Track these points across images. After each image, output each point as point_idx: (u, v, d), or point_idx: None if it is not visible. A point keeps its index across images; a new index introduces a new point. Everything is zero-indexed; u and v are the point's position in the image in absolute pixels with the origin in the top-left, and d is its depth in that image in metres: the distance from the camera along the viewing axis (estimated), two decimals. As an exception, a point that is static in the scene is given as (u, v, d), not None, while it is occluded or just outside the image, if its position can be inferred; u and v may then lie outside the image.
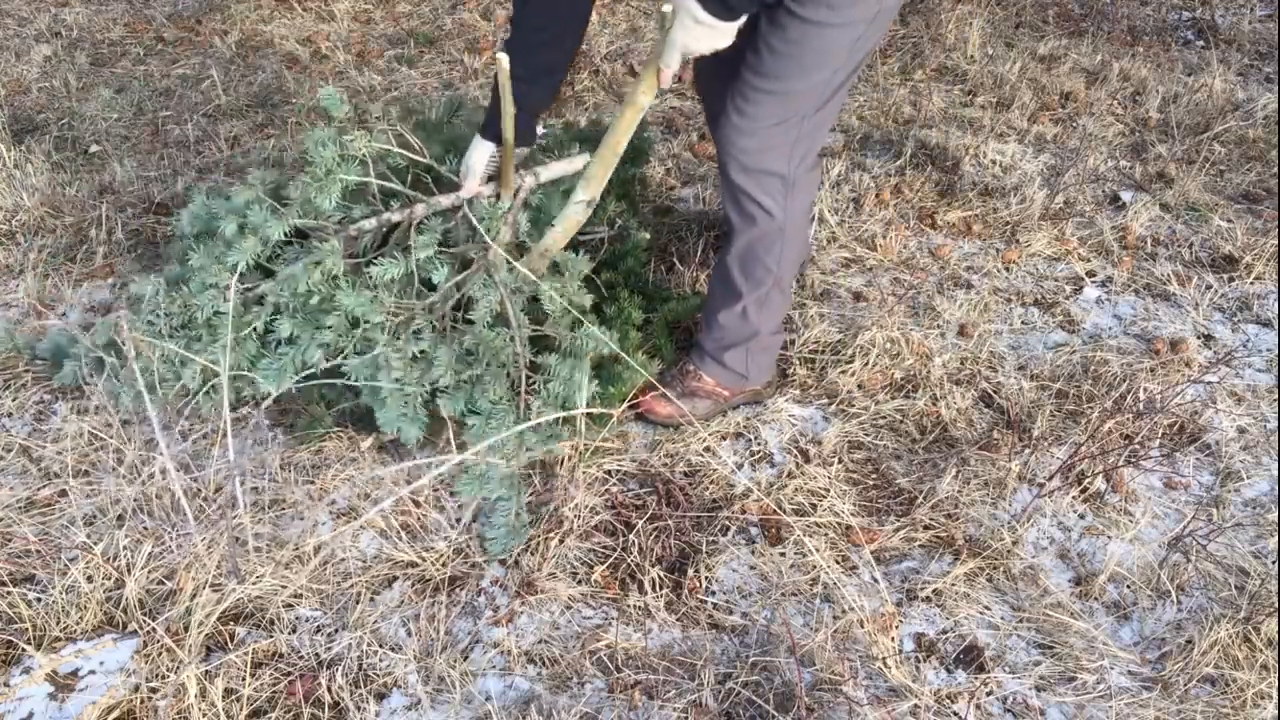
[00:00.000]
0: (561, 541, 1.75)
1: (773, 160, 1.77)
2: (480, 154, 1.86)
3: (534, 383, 1.81)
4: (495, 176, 1.91)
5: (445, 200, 1.91)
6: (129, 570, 1.65)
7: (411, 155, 1.94)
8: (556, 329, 1.82)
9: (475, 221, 1.88)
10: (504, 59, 1.64)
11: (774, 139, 1.74)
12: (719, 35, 1.54)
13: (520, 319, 1.81)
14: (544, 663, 1.57)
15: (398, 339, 1.77)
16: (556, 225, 1.87)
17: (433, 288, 1.85)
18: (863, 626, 1.63)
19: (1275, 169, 3.08)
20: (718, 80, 1.94)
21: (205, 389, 1.83)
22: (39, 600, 1.62)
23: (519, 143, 1.83)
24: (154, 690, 1.49)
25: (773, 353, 2.07)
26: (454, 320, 1.84)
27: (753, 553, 1.77)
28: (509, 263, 1.83)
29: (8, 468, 1.89)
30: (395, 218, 1.89)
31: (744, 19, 1.55)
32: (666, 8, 1.54)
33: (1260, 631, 1.62)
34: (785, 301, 2.00)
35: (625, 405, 1.97)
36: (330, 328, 1.79)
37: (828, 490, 1.89)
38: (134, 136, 3.16)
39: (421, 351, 1.78)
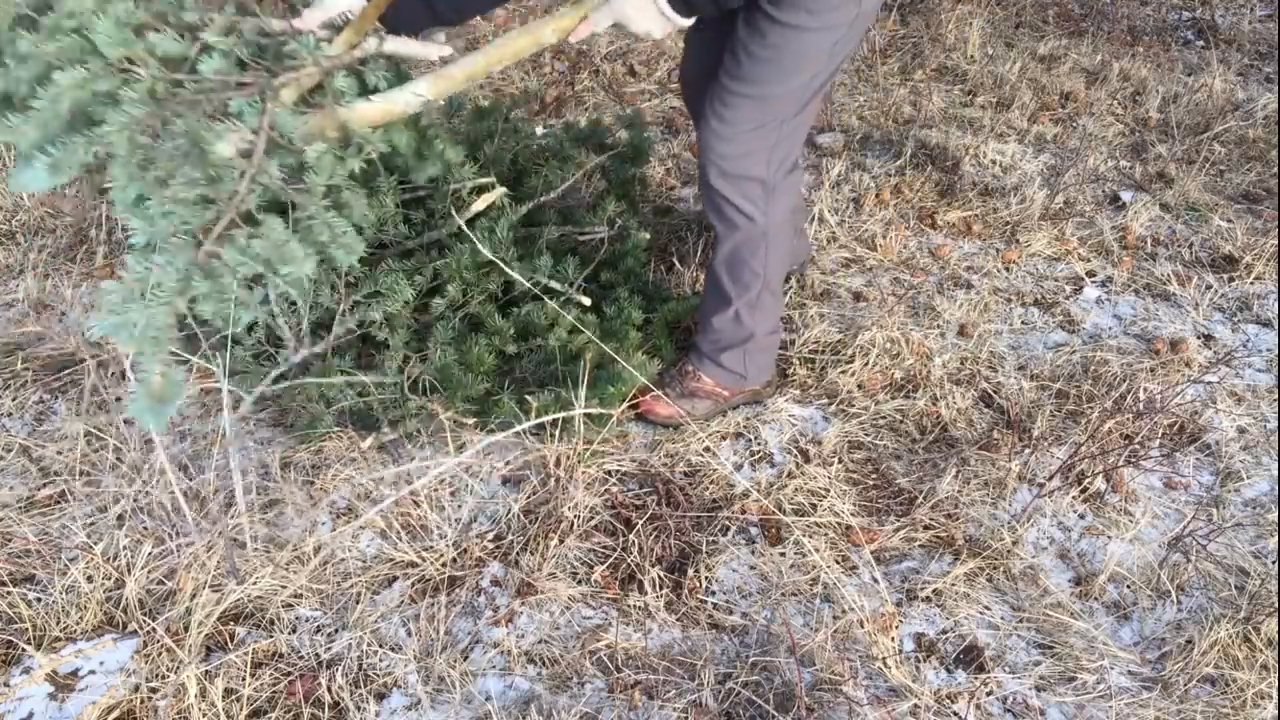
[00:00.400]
0: (561, 541, 1.75)
1: (752, 165, 1.77)
2: (341, 2, 1.58)
3: (231, 229, 1.42)
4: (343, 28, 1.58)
5: (275, 22, 1.58)
6: (129, 570, 1.65)
7: None
8: (303, 197, 1.49)
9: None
10: None
11: (753, 143, 1.74)
12: (662, 25, 1.52)
13: (266, 163, 1.45)
14: (544, 663, 1.57)
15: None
16: (375, 100, 1.59)
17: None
18: (863, 626, 1.63)
19: (1275, 169, 3.08)
20: (701, 82, 1.94)
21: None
22: (39, 600, 1.62)
23: (394, 27, 1.60)
24: (154, 690, 1.49)
25: (770, 352, 2.07)
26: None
27: (753, 553, 1.77)
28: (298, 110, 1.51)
29: (8, 468, 1.89)
30: (219, 15, 1.53)
31: (693, 20, 1.53)
32: None
33: (1260, 631, 1.62)
34: (777, 303, 2.00)
35: (625, 405, 1.97)
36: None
37: (828, 490, 1.89)
38: (134, 136, 3.16)
39: (115, 97, 1.39)
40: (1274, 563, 1.79)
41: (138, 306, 1.35)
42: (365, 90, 1.60)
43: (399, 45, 1.63)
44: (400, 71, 1.65)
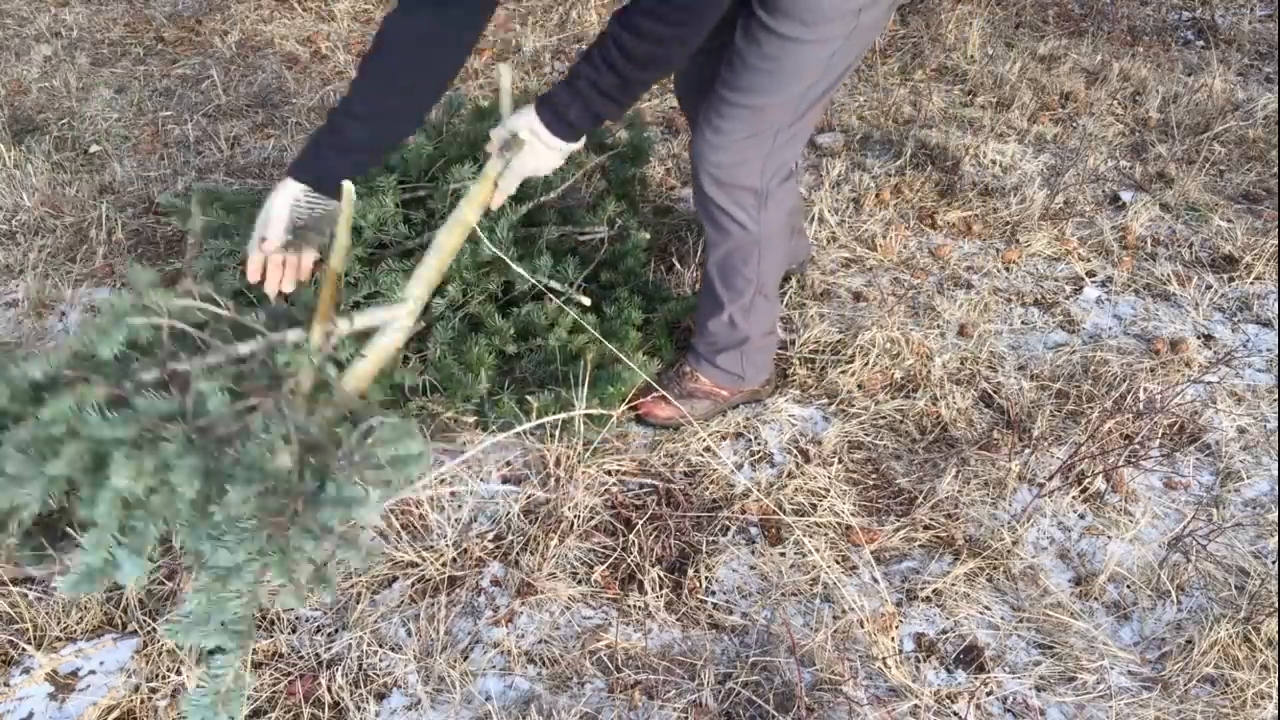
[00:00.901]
0: (561, 541, 1.75)
1: (746, 175, 1.77)
2: (283, 200, 1.55)
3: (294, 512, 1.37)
4: (301, 227, 1.58)
5: (243, 348, 1.55)
6: (129, 570, 1.65)
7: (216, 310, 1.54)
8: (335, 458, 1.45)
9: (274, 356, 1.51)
10: (349, 188, 1.45)
11: (747, 153, 1.74)
12: (561, 155, 1.55)
13: (299, 453, 1.43)
14: (544, 663, 1.57)
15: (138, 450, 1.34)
16: (367, 355, 1.62)
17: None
18: (863, 626, 1.63)
19: (1275, 169, 3.08)
20: (697, 92, 1.93)
21: None
22: (39, 600, 1.62)
23: (324, 187, 1.57)
24: (154, 690, 1.49)
25: (767, 353, 2.07)
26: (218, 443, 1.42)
27: (753, 553, 1.78)
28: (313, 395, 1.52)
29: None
30: (182, 366, 1.51)
31: (582, 141, 1.55)
32: (524, 134, 1.52)
33: (1260, 631, 1.62)
34: (772, 306, 2.00)
35: (624, 406, 1.97)
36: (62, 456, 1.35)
37: (828, 490, 1.89)
38: (134, 136, 3.16)
39: (166, 465, 1.36)
40: (1274, 563, 1.79)
41: (215, 607, 1.32)
42: (336, 364, 1.58)
43: (368, 318, 1.59)
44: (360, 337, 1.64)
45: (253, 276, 1.57)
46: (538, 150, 1.54)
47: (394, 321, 1.58)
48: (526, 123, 1.52)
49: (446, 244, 1.61)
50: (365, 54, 1.54)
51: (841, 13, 1.59)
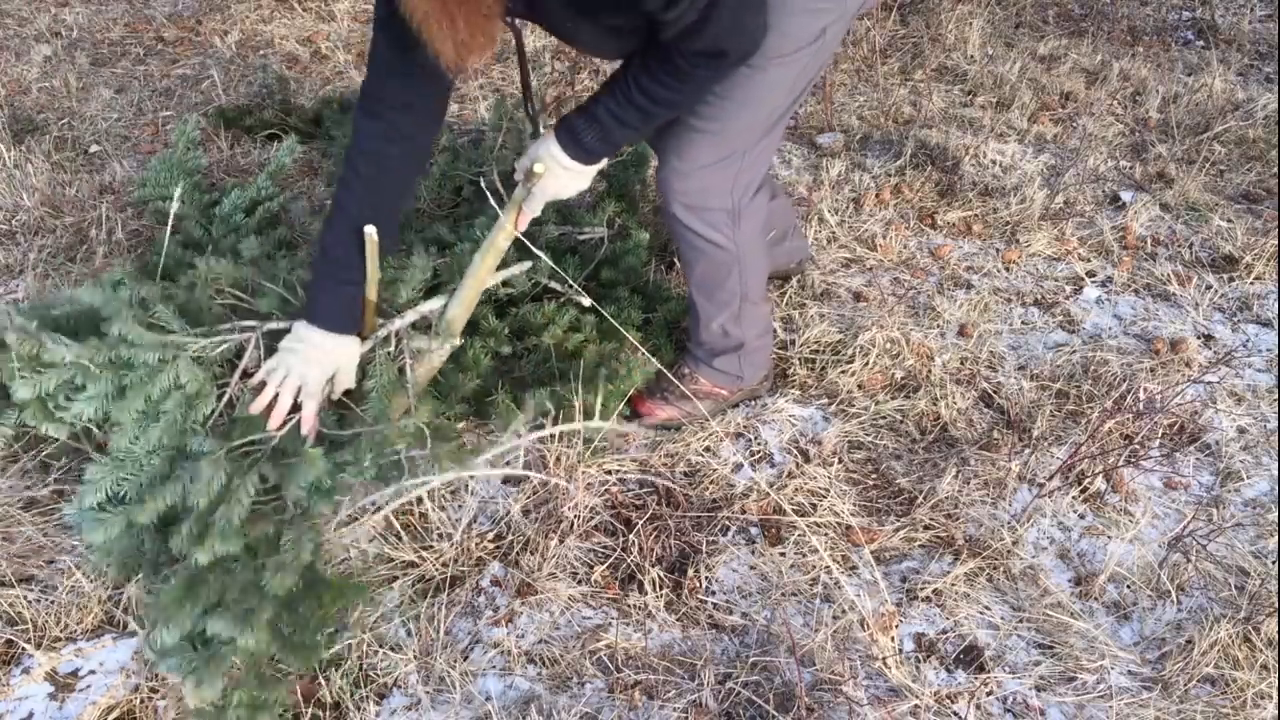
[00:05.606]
0: (561, 541, 1.75)
1: (715, 198, 1.76)
2: (317, 370, 1.64)
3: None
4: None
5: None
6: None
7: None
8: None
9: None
10: (371, 231, 1.60)
11: (712, 178, 1.74)
12: (583, 178, 1.64)
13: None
14: (544, 663, 1.57)
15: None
16: (418, 370, 1.78)
17: None
18: (863, 626, 1.62)
19: (1275, 169, 3.08)
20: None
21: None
22: (39, 600, 1.62)
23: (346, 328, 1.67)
24: (154, 690, 1.49)
25: (764, 352, 2.07)
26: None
27: (753, 553, 1.77)
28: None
29: (8, 466, 1.89)
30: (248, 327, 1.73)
31: (604, 162, 1.64)
32: (539, 167, 1.61)
33: (1260, 631, 1.62)
34: (762, 309, 2.00)
35: (623, 404, 1.97)
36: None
37: (828, 490, 1.89)
38: (134, 136, 3.16)
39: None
40: (1274, 563, 1.79)
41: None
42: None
43: (414, 342, 1.77)
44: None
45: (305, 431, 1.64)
46: (558, 174, 1.62)
47: (437, 348, 1.77)
48: (545, 150, 1.60)
49: (482, 268, 1.75)
50: (347, 151, 1.61)
51: (807, 38, 1.59)
